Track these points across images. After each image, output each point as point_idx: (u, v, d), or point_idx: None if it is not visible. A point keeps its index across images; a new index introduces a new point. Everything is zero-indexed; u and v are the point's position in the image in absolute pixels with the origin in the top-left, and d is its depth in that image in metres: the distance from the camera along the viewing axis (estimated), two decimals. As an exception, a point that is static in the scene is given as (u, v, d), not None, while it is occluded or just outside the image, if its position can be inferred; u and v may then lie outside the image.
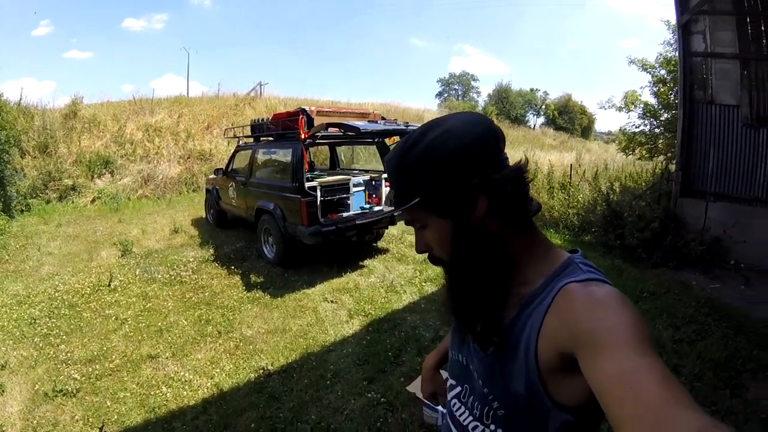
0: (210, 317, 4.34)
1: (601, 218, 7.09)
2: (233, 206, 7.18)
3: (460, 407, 0.94)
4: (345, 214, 5.70)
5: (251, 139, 7.32)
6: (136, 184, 10.92)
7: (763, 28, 5.36)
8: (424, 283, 5.39)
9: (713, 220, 5.84)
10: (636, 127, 12.13)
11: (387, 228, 6.73)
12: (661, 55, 11.19)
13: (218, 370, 3.44)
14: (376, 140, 6.58)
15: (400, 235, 7.48)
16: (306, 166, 5.55)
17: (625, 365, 0.59)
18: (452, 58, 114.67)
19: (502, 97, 38.12)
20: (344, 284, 5.29)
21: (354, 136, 6.27)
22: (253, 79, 32.67)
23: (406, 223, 0.87)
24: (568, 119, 37.67)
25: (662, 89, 10.88)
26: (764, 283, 4.99)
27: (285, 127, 5.78)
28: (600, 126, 40.41)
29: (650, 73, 11.15)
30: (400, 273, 5.74)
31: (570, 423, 0.75)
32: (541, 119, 39.74)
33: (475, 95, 44.71)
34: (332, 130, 5.54)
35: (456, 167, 0.74)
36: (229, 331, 4.08)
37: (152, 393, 3.19)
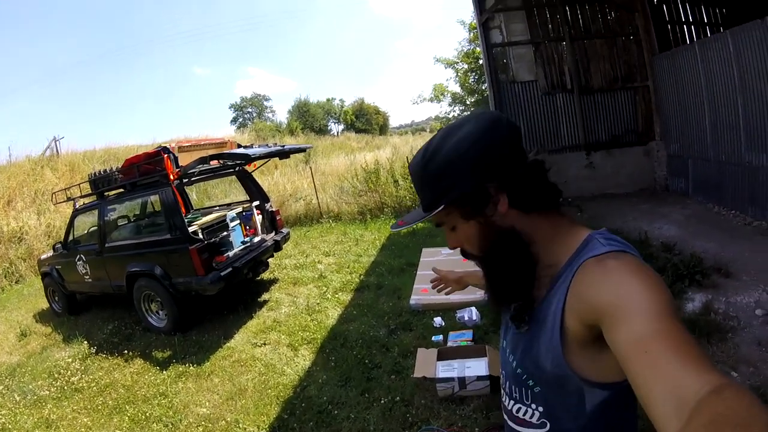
0: (146, 413, 3.58)
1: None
2: (87, 283, 5.91)
3: (504, 395, 0.99)
4: (230, 253, 5.29)
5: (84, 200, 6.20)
6: (-56, 293, 8.19)
7: (547, 15, 6.92)
8: (337, 295, 5.45)
9: (535, 171, 7.32)
10: (447, 114, 14.34)
11: (273, 256, 6.51)
12: (459, 51, 13.41)
13: (203, 463, 2.93)
14: (237, 169, 6.26)
15: (279, 262, 7.30)
16: (183, 211, 4.97)
17: (641, 332, 0.59)
18: (237, 82, 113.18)
19: (302, 111, 38.81)
20: (262, 324, 4.97)
21: (218, 169, 5.90)
22: (46, 137, 26.73)
23: (436, 226, 0.91)
24: (366, 121, 40.62)
25: (465, 79, 13.04)
26: (590, 205, 6.52)
27: (144, 172, 4.99)
28: (394, 122, 44.58)
29: (453, 69, 13.23)
30: (307, 295, 5.67)
31: (607, 401, 0.79)
32: (341, 126, 41.88)
33: (270, 114, 44.64)
34: (211, 163, 5.09)
35: (475, 172, 0.78)
36: (181, 418, 3.44)
37: None
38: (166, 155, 4.80)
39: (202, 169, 5.22)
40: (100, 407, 3.83)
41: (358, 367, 3.66)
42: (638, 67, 6.92)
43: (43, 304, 7.14)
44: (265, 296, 5.90)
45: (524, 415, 0.91)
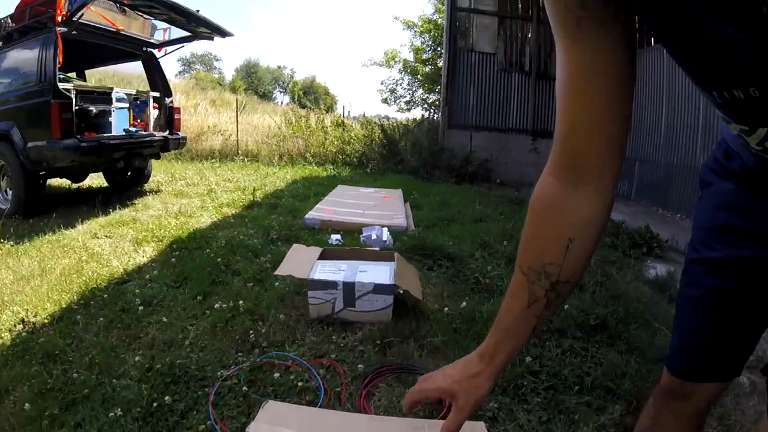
0: None
1: (380, 147, 7.92)
2: None
3: None
4: (106, 135, 4.44)
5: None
6: None
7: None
8: (222, 209, 4.60)
9: (478, 146, 7.06)
10: (396, 82, 13.57)
11: (159, 157, 5.50)
12: (420, 17, 12.60)
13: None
14: (144, 50, 5.26)
15: (170, 180, 6.28)
16: (60, 61, 3.99)
17: None
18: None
19: (250, 71, 37.30)
20: (116, 220, 4.10)
21: (119, 41, 4.93)
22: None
23: None
24: (314, 100, 38.92)
25: (420, 47, 12.34)
26: (528, 190, 6.12)
27: (35, 14, 4.17)
28: (341, 107, 43.20)
29: (413, 31, 12.41)
30: (185, 204, 4.82)
31: None
32: (287, 98, 39.92)
33: (216, 75, 41.71)
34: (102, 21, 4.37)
35: None
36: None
37: None
38: None
39: (95, 23, 4.38)
40: None
41: (205, 268, 2.77)
42: (603, 64, 6.80)
43: None
44: (137, 201, 4.96)
45: None
